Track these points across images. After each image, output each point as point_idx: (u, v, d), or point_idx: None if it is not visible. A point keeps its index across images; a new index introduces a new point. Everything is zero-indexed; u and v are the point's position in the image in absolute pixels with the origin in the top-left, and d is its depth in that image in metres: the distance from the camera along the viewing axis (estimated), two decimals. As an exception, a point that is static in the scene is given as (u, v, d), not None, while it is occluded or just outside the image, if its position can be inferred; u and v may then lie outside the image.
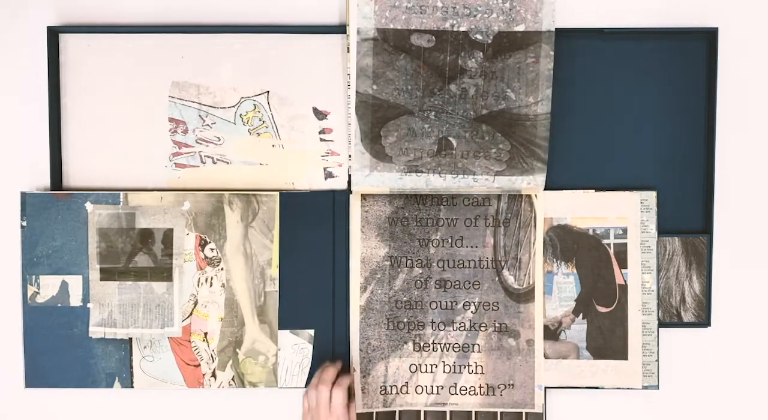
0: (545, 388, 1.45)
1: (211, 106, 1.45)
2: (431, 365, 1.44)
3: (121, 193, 1.43)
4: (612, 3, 1.46)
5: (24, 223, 1.42)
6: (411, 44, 1.40)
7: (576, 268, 1.45)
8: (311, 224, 1.45)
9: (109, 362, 1.44)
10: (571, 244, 1.45)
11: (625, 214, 1.44)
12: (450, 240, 1.45)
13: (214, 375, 1.45)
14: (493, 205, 1.44)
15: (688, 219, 1.46)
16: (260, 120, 1.45)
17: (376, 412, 1.44)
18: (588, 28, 1.45)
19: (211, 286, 1.44)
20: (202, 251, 1.44)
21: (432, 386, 1.44)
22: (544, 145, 1.41)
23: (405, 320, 1.44)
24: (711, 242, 1.45)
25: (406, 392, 1.44)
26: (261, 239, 1.44)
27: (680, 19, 1.46)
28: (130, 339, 1.44)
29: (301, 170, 1.46)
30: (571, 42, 1.44)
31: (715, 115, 1.43)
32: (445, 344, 1.45)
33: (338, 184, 1.46)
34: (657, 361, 1.45)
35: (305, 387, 1.44)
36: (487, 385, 1.45)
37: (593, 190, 1.45)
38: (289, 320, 1.45)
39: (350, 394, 1.42)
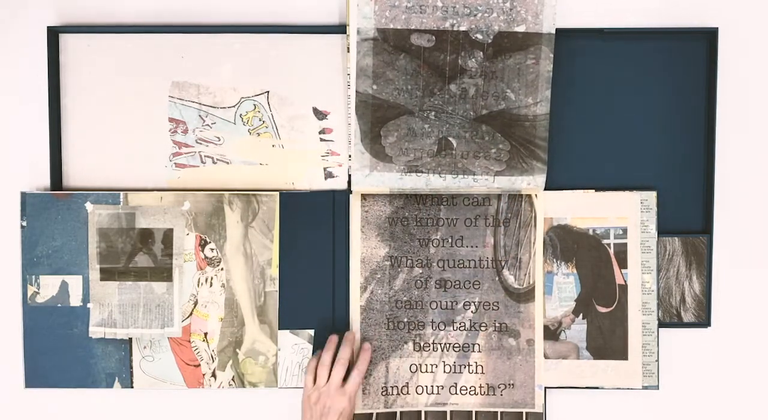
0: (545, 388, 1.45)
1: (211, 106, 1.45)
2: (431, 365, 1.44)
3: (121, 193, 1.43)
4: (612, 3, 1.46)
5: (24, 223, 1.42)
6: (411, 44, 1.40)
7: (576, 268, 1.45)
8: (311, 224, 1.45)
9: (109, 362, 1.44)
10: (571, 244, 1.45)
11: (625, 214, 1.44)
12: (450, 240, 1.45)
13: (214, 375, 1.45)
14: (493, 205, 1.44)
15: (688, 219, 1.47)
16: (260, 120, 1.45)
17: (376, 414, 1.44)
18: (588, 28, 1.45)
19: (211, 286, 1.44)
20: (202, 251, 1.44)
21: (432, 386, 1.44)
22: (543, 145, 1.41)
23: (405, 320, 1.44)
24: (711, 242, 1.45)
25: (407, 392, 1.44)
26: (261, 239, 1.44)
27: (680, 19, 1.46)
28: (130, 339, 1.44)
29: (301, 170, 1.46)
30: (571, 42, 1.44)
31: (715, 115, 1.43)
32: (445, 344, 1.45)
33: (338, 184, 1.46)
34: (657, 361, 1.45)
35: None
36: (488, 384, 1.45)
37: (593, 190, 1.45)
38: (289, 320, 1.45)
39: (350, 366, 1.42)
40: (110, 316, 1.43)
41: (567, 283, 1.45)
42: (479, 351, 1.45)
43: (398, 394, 1.44)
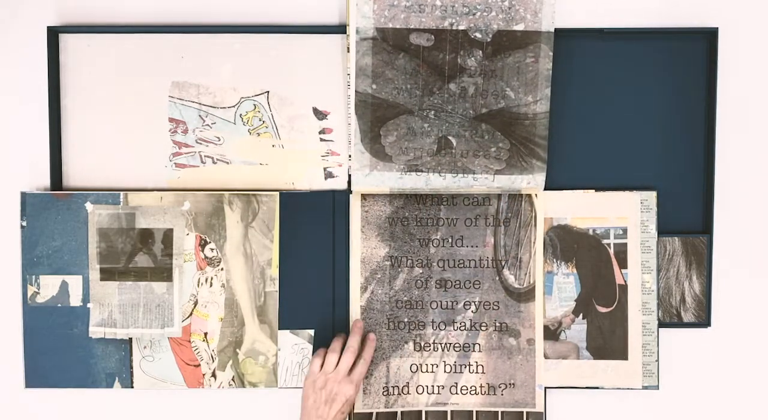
0: (545, 388, 1.45)
1: (211, 106, 1.45)
2: (432, 365, 1.44)
3: (121, 193, 1.43)
4: (612, 3, 1.46)
5: (24, 223, 1.42)
6: (410, 43, 1.40)
7: (576, 268, 1.45)
8: (311, 224, 1.45)
9: (109, 362, 1.44)
10: (571, 244, 1.45)
11: (625, 214, 1.44)
12: (450, 240, 1.45)
13: (214, 375, 1.45)
14: (493, 205, 1.44)
15: (688, 219, 1.46)
16: (260, 120, 1.45)
17: (376, 414, 1.44)
18: (588, 28, 1.45)
19: (211, 286, 1.44)
20: (202, 251, 1.44)
21: (433, 386, 1.44)
22: (543, 143, 1.41)
23: (405, 320, 1.44)
24: (711, 242, 1.45)
25: (407, 392, 1.44)
26: (261, 239, 1.44)
27: (680, 19, 1.46)
28: (130, 339, 1.44)
29: (301, 170, 1.46)
30: (570, 42, 1.44)
31: (715, 115, 1.43)
32: (445, 344, 1.44)
33: (338, 184, 1.46)
34: (657, 361, 1.44)
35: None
36: (488, 384, 1.44)
37: (593, 190, 1.45)
38: (289, 320, 1.45)
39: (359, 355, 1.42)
40: (110, 316, 1.43)
41: (567, 283, 1.45)
42: (479, 351, 1.44)
43: (399, 394, 1.44)
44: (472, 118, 1.41)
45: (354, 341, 1.39)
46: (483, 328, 1.45)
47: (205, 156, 1.45)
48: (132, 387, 1.44)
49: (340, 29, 1.44)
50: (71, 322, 1.43)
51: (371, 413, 1.44)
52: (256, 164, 1.45)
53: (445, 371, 1.44)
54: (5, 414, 1.48)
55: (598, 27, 1.45)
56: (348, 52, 1.40)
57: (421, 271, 1.45)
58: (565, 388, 1.46)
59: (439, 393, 1.44)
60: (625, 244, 1.45)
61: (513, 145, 1.41)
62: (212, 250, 1.44)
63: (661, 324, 1.45)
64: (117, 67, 1.45)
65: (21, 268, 1.43)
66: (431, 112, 1.41)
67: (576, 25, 1.45)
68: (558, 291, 1.45)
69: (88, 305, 1.43)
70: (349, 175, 1.45)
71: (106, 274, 1.43)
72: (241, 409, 1.48)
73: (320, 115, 1.45)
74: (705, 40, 1.45)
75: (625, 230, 1.44)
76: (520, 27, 1.39)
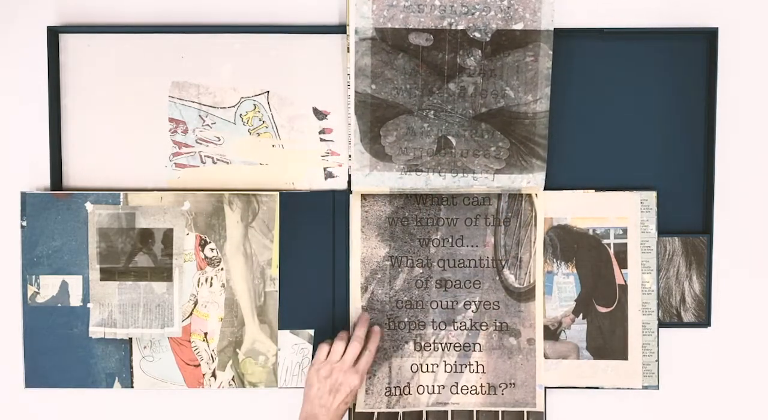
0: (545, 388, 1.45)
1: (211, 106, 1.45)
2: (432, 365, 1.44)
3: (121, 193, 1.43)
4: (612, 3, 1.46)
5: (24, 223, 1.42)
6: (409, 43, 1.40)
7: (576, 268, 1.45)
8: (311, 224, 1.45)
9: (109, 362, 1.44)
10: (571, 244, 1.45)
11: (625, 214, 1.44)
12: (450, 239, 1.45)
13: (214, 375, 1.45)
14: (493, 205, 1.44)
15: (688, 219, 1.46)
16: (260, 120, 1.45)
17: (378, 414, 1.44)
18: (588, 28, 1.45)
19: (211, 286, 1.44)
20: (202, 251, 1.44)
21: (433, 386, 1.44)
22: (543, 143, 1.41)
23: (406, 320, 1.44)
24: (711, 242, 1.45)
25: (409, 393, 1.44)
26: (261, 239, 1.44)
27: (680, 19, 1.46)
28: (130, 339, 1.44)
29: (301, 170, 1.46)
30: (570, 42, 1.44)
31: (715, 115, 1.43)
32: (446, 344, 1.44)
33: (338, 184, 1.46)
34: (657, 361, 1.44)
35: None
36: (488, 384, 1.44)
37: (593, 190, 1.45)
38: (289, 320, 1.45)
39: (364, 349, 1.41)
40: (110, 316, 1.43)
41: (567, 283, 1.45)
42: (480, 350, 1.44)
43: (401, 394, 1.44)
44: (471, 117, 1.41)
45: (360, 332, 1.39)
46: (483, 327, 1.45)
47: (205, 156, 1.45)
48: (132, 387, 1.44)
49: (340, 29, 1.44)
50: (71, 322, 1.43)
51: (372, 413, 1.44)
52: (256, 164, 1.46)
53: (445, 371, 1.44)
54: (5, 414, 1.48)
55: (598, 27, 1.45)
56: (348, 52, 1.41)
57: (421, 271, 1.45)
58: (565, 388, 1.46)
59: (439, 393, 1.44)
60: (625, 244, 1.45)
61: (513, 144, 1.41)
62: (212, 250, 1.44)
63: (661, 324, 1.45)
64: (117, 67, 1.45)
65: (21, 268, 1.43)
66: (431, 112, 1.41)
67: (576, 25, 1.45)
68: (558, 291, 1.45)
69: (88, 305, 1.43)
70: (349, 175, 1.45)
71: (106, 274, 1.43)
72: (241, 409, 1.48)
73: (320, 115, 1.45)
74: (705, 40, 1.45)
75: (625, 230, 1.44)
76: (519, 26, 1.39)
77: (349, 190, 1.45)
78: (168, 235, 1.43)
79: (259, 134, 1.45)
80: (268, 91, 1.45)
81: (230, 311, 1.44)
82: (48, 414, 1.48)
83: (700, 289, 1.45)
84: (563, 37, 1.42)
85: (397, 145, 1.42)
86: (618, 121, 1.46)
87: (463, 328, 1.45)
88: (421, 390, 1.44)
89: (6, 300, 1.47)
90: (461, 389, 1.44)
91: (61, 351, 1.44)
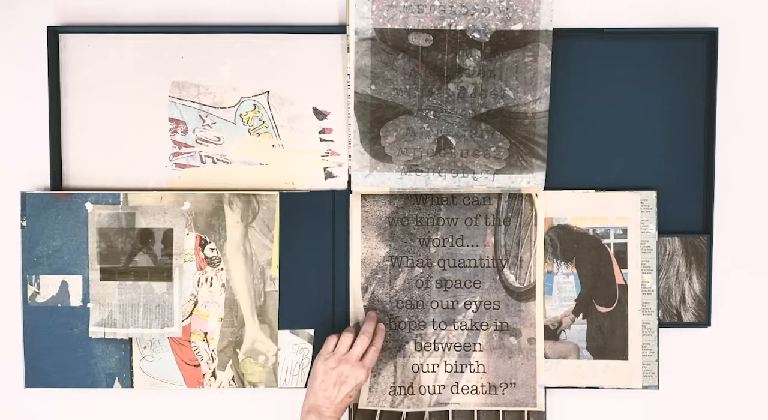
0: (545, 388, 1.45)
1: (211, 106, 1.45)
2: (433, 365, 1.44)
3: (121, 193, 1.43)
4: (612, 3, 1.46)
5: (24, 223, 1.42)
6: (409, 44, 1.40)
7: (576, 268, 1.45)
8: (311, 224, 1.45)
9: (109, 362, 1.44)
10: (571, 244, 1.45)
11: (625, 214, 1.44)
12: (450, 239, 1.45)
13: (214, 375, 1.45)
14: (493, 204, 1.44)
15: (688, 219, 1.46)
16: (260, 120, 1.45)
17: (381, 411, 1.44)
18: (588, 28, 1.45)
19: (211, 286, 1.44)
20: (202, 251, 1.44)
21: (434, 386, 1.44)
22: (543, 142, 1.41)
23: (406, 320, 1.44)
24: (711, 242, 1.45)
25: (412, 393, 1.44)
26: (261, 239, 1.44)
27: (680, 19, 1.46)
28: (130, 339, 1.44)
29: (301, 170, 1.46)
30: (570, 42, 1.44)
31: (715, 115, 1.43)
32: (446, 344, 1.44)
33: (338, 184, 1.46)
34: (657, 361, 1.44)
35: (305, 387, 1.44)
36: (489, 384, 1.44)
37: (593, 190, 1.45)
38: (289, 320, 1.45)
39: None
40: (110, 316, 1.43)
41: (567, 283, 1.45)
42: (480, 350, 1.44)
43: (405, 394, 1.44)
44: (471, 117, 1.41)
45: (368, 327, 1.39)
46: (484, 327, 1.45)
47: (205, 156, 1.45)
48: (132, 387, 1.44)
49: (340, 29, 1.44)
50: (71, 322, 1.44)
51: (375, 411, 1.44)
52: (256, 164, 1.46)
53: (446, 371, 1.44)
54: (5, 414, 1.48)
55: (598, 27, 1.45)
56: (348, 52, 1.40)
57: (421, 271, 1.45)
58: (565, 388, 1.46)
59: (440, 393, 1.44)
60: (625, 244, 1.45)
61: (513, 144, 1.41)
62: (212, 250, 1.44)
63: (661, 324, 1.45)
64: (117, 67, 1.45)
65: (21, 268, 1.43)
66: (430, 113, 1.41)
67: (576, 25, 1.45)
68: (558, 291, 1.45)
69: (88, 305, 1.43)
70: (349, 175, 1.45)
71: (106, 274, 1.43)
72: (241, 409, 1.48)
73: (320, 115, 1.45)
74: (705, 40, 1.45)
75: (625, 230, 1.44)
76: (518, 27, 1.39)
77: (349, 190, 1.45)
78: (168, 235, 1.43)
79: (259, 134, 1.45)
80: (268, 91, 1.45)
81: (230, 311, 1.44)
82: (48, 414, 1.48)
83: (700, 289, 1.45)
84: (563, 37, 1.42)
85: (397, 146, 1.42)
86: (618, 121, 1.46)
87: (464, 327, 1.45)
88: (423, 390, 1.44)
89: (6, 300, 1.47)
90: (462, 389, 1.44)
91: (61, 351, 1.44)
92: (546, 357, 1.45)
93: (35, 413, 1.48)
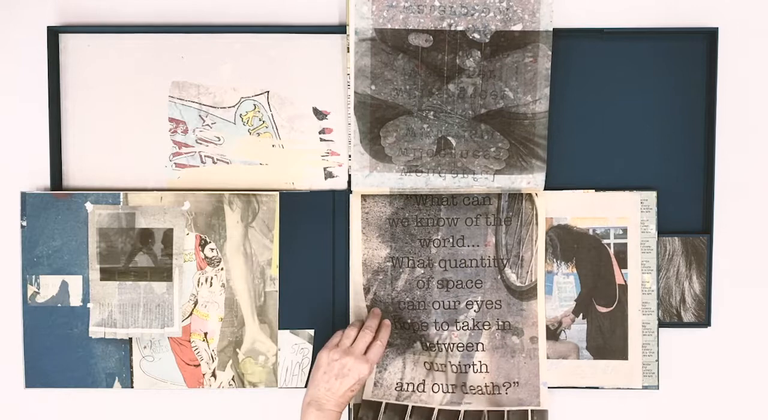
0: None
1: (211, 106, 1.45)
2: (441, 364, 1.44)
3: (121, 193, 1.43)
4: (612, 3, 1.46)
5: (24, 223, 1.42)
6: (409, 44, 1.40)
7: (576, 268, 1.45)
8: (311, 224, 1.45)
9: (109, 362, 1.44)
10: (571, 244, 1.45)
11: (625, 214, 1.44)
12: (451, 239, 1.44)
13: (214, 375, 1.45)
14: (493, 204, 1.44)
15: (688, 219, 1.46)
16: (260, 120, 1.45)
17: (386, 404, 1.44)
18: (588, 28, 1.45)
19: (211, 286, 1.44)
20: (202, 251, 1.44)
21: (447, 385, 1.44)
22: (543, 143, 1.41)
23: (409, 321, 1.44)
24: (711, 242, 1.45)
25: (422, 390, 1.44)
26: (261, 239, 1.44)
27: (680, 19, 1.46)
28: (130, 339, 1.44)
29: (301, 170, 1.46)
30: (570, 42, 1.44)
31: (715, 115, 1.43)
32: (449, 344, 1.44)
33: (338, 184, 1.46)
34: (657, 361, 1.44)
35: (305, 387, 1.44)
36: (492, 383, 1.44)
37: (593, 190, 1.45)
38: (289, 320, 1.45)
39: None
40: (110, 316, 1.43)
41: (567, 283, 1.45)
42: (483, 350, 1.44)
43: (413, 391, 1.44)
44: (471, 118, 1.41)
45: (371, 323, 1.39)
46: (486, 327, 1.45)
47: (205, 156, 1.45)
48: (132, 387, 1.44)
49: (340, 29, 1.44)
50: (71, 322, 1.44)
51: (381, 402, 1.44)
52: (256, 164, 1.46)
53: (452, 371, 1.44)
54: (5, 414, 1.48)
55: (598, 27, 1.45)
56: (348, 52, 1.40)
57: (422, 272, 1.45)
58: (565, 388, 1.46)
59: (453, 392, 1.44)
60: (625, 244, 1.45)
61: (512, 144, 1.41)
62: (212, 250, 1.44)
63: (661, 324, 1.45)
64: (117, 67, 1.45)
65: (21, 268, 1.43)
66: (430, 113, 1.41)
67: (576, 25, 1.45)
68: (558, 291, 1.45)
69: (88, 305, 1.43)
70: (349, 175, 1.45)
71: (106, 274, 1.43)
72: (241, 409, 1.48)
73: (320, 115, 1.45)
74: (705, 40, 1.45)
75: (625, 230, 1.44)
76: (518, 27, 1.39)
77: (349, 190, 1.45)
78: (168, 235, 1.43)
79: (259, 134, 1.45)
80: (268, 91, 1.45)
81: (230, 311, 1.44)
82: (48, 414, 1.48)
83: (700, 289, 1.45)
84: (563, 37, 1.42)
85: (396, 146, 1.42)
86: (618, 121, 1.46)
87: (466, 328, 1.44)
88: (435, 388, 1.44)
89: (6, 300, 1.47)
90: (469, 388, 1.44)
91: (61, 351, 1.44)
92: (546, 357, 1.45)
93: (35, 413, 1.48)
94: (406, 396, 1.44)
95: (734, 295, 1.48)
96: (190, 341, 1.44)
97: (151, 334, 1.44)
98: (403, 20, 1.39)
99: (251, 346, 1.44)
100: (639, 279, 1.44)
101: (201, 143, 1.45)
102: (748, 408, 1.50)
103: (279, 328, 1.45)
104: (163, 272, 1.43)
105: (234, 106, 1.45)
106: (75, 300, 1.43)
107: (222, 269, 1.44)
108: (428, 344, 1.44)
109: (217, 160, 1.45)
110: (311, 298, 1.45)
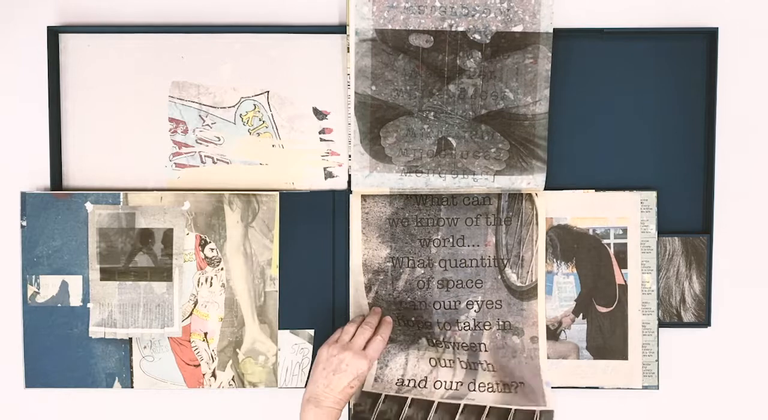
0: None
1: (211, 106, 1.45)
2: (449, 361, 1.44)
3: (121, 193, 1.43)
4: (612, 3, 1.46)
5: (24, 223, 1.42)
6: (409, 44, 1.40)
7: (576, 268, 1.45)
8: (311, 224, 1.45)
9: (109, 362, 1.44)
10: (571, 244, 1.45)
11: (625, 214, 1.44)
12: (451, 239, 1.44)
13: (214, 375, 1.45)
14: (494, 204, 1.44)
15: (688, 219, 1.46)
16: (260, 120, 1.45)
17: (385, 396, 1.44)
18: (588, 28, 1.45)
19: (211, 286, 1.44)
20: (202, 251, 1.44)
21: (452, 382, 1.44)
22: (543, 144, 1.41)
23: (413, 319, 1.44)
24: (711, 242, 1.45)
25: (424, 386, 1.44)
26: (261, 239, 1.44)
27: (680, 19, 1.46)
28: (130, 339, 1.44)
29: (301, 170, 1.46)
30: (570, 42, 1.44)
31: (715, 115, 1.43)
32: (454, 343, 1.44)
33: (338, 184, 1.46)
34: (657, 361, 1.45)
35: (305, 387, 1.44)
36: (503, 382, 1.44)
37: (593, 190, 1.45)
38: (289, 320, 1.45)
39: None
40: (110, 316, 1.43)
41: (567, 283, 1.45)
42: (486, 350, 1.44)
43: (415, 386, 1.43)
44: (471, 119, 1.41)
45: (372, 319, 1.39)
46: (487, 327, 1.45)
47: (205, 156, 1.45)
48: (132, 387, 1.44)
49: (340, 29, 1.44)
50: (71, 322, 1.44)
51: (380, 394, 1.43)
52: (256, 164, 1.45)
53: (461, 367, 1.44)
54: (5, 414, 1.48)
55: (598, 27, 1.45)
56: (348, 52, 1.40)
57: (422, 272, 1.45)
58: (565, 388, 1.46)
59: (456, 389, 1.44)
60: (625, 244, 1.45)
61: (513, 145, 1.41)
62: (212, 250, 1.44)
63: (661, 324, 1.45)
64: (117, 67, 1.45)
65: (21, 268, 1.43)
66: (431, 114, 1.41)
67: (576, 25, 1.45)
68: (558, 291, 1.45)
69: (88, 305, 1.43)
70: (349, 175, 1.45)
71: (106, 274, 1.43)
72: (241, 409, 1.48)
73: (320, 115, 1.45)
74: (705, 40, 1.45)
75: (625, 230, 1.44)
76: (518, 28, 1.39)
77: (349, 190, 1.45)
78: (168, 235, 1.43)
79: (259, 134, 1.45)
80: (268, 91, 1.45)
81: (230, 311, 1.44)
82: (48, 414, 1.48)
83: (700, 289, 1.45)
84: (563, 37, 1.42)
85: (397, 147, 1.42)
86: (618, 121, 1.46)
87: (467, 328, 1.44)
88: (438, 385, 1.44)
89: (6, 300, 1.47)
90: (478, 386, 1.44)
91: (61, 351, 1.44)
92: (546, 357, 1.45)
93: (35, 413, 1.48)
94: (407, 390, 1.44)
95: (734, 295, 1.48)
96: (190, 341, 1.44)
97: (151, 334, 1.44)
98: (403, 21, 1.39)
99: (251, 346, 1.44)
100: (639, 279, 1.44)
101: (201, 143, 1.45)
102: (748, 408, 1.50)
103: (279, 328, 1.45)
104: (163, 272, 1.43)
105: (234, 106, 1.45)
106: (75, 300, 1.43)
107: (222, 269, 1.44)
108: (435, 341, 1.44)
109: (217, 160, 1.45)
110: (311, 298, 1.45)
